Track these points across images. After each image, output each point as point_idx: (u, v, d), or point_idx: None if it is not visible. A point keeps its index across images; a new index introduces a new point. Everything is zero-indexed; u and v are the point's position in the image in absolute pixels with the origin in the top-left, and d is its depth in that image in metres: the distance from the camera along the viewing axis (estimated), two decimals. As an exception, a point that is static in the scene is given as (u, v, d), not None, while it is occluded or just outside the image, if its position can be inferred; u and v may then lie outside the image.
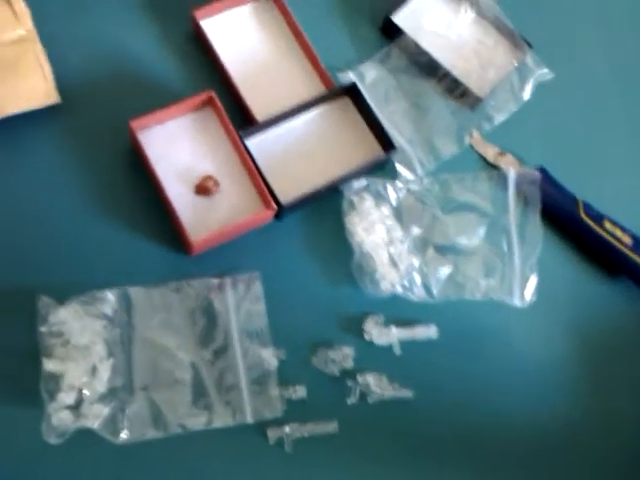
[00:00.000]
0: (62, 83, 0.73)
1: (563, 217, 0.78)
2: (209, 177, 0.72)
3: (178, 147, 0.73)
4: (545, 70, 0.82)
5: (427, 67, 0.81)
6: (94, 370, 0.64)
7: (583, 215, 0.77)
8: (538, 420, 0.72)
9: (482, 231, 0.76)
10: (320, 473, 0.67)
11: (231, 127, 0.73)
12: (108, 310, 0.67)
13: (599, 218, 0.77)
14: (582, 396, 0.74)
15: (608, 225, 0.76)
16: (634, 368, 0.75)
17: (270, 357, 0.68)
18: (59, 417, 0.62)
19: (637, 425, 0.73)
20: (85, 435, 0.63)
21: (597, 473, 0.72)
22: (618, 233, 0.76)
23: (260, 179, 0.72)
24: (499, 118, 0.82)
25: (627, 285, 0.77)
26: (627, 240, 0.76)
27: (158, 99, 0.73)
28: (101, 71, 0.76)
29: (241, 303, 0.70)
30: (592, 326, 0.76)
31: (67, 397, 0.63)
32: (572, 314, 0.76)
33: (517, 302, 0.74)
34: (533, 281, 0.74)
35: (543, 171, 0.78)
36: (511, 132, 0.81)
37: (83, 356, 0.64)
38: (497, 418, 0.72)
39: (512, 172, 0.77)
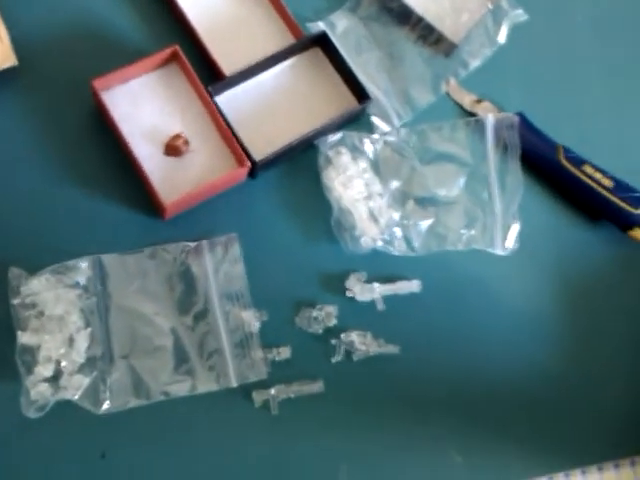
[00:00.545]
0: (19, 45, 0.70)
1: (543, 163, 0.76)
2: (178, 136, 0.69)
3: (144, 106, 0.70)
4: (520, 11, 0.80)
5: (399, 13, 0.79)
6: (71, 340, 0.63)
7: (563, 160, 0.75)
8: (524, 370, 0.71)
9: (462, 181, 0.74)
10: (307, 433, 0.67)
11: (199, 83, 0.70)
12: (82, 279, 0.65)
13: (579, 162, 0.75)
14: (567, 343, 0.73)
15: (589, 169, 0.75)
16: (617, 312, 0.75)
17: (252, 319, 0.67)
18: (38, 390, 0.61)
19: (622, 372, 0.73)
20: (66, 407, 0.61)
21: (584, 422, 0.71)
22: (599, 177, 0.75)
23: (232, 136, 0.69)
24: (474, 64, 0.79)
25: (609, 229, 0.76)
26: (608, 183, 0.75)
27: (121, 57, 0.70)
28: (59, 31, 0.73)
29: (219, 266, 0.68)
30: (575, 271, 0.75)
31: (45, 369, 0.61)
32: (555, 261, 0.75)
33: (499, 251, 0.73)
34: (515, 229, 0.73)
35: (521, 117, 0.76)
36: (488, 78, 0.79)
37: (59, 327, 0.62)
38: (483, 370, 0.71)
39: (490, 118, 0.75)
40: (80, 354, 0.62)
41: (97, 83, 0.68)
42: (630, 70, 0.83)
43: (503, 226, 0.73)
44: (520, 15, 0.80)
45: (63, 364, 0.62)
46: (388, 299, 0.70)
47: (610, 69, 0.82)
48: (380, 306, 0.70)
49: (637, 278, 0.76)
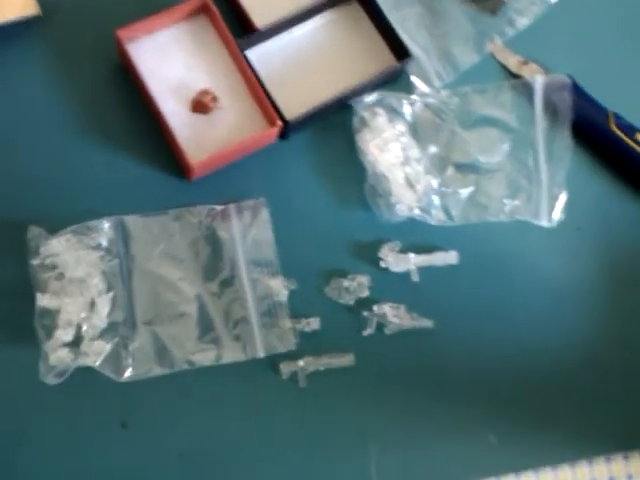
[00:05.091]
0: (41, -8, 0.67)
1: (592, 130, 0.72)
2: (206, 91, 0.66)
3: (171, 60, 0.67)
4: (573, -32, 0.75)
5: (443, -33, 0.74)
6: (92, 304, 0.60)
7: (614, 128, 0.71)
8: (564, 348, 0.68)
9: (506, 147, 0.70)
10: (335, 407, 0.64)
11: (229, 36, 0.67)
12: (104, 240, 0.62)
13: (631, 131, 0.71)
14: (609, 320, 0.69)
15: (641, 138, 0.71)
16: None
17: (280, 288, 0.64)
18: (57, 356, 0.59)
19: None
20: (86, 374, 0.59)
21: (624, 406, 0.68)
22: (651, 146, 0.71)
23: (263, 93, 0.66)
24: (523, 22, 0.74)
25: (661, 203, 0.72)
26: (661, 153, 0.71)
27: (147, 8, 0.66)
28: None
29: (247, 231, 0.65)
30: (622, 246, 0.71)
31: (65, 334, 0.59)
32: (601, 234, 0.71)
33: (544, 222, 0.69)
34: (561, 200, 0.69)
35: (571, 80, 0.72)
36: (535, 39, 0.74)
37: (80, 290, 0.60)
38: (520, 347, 0.68)
39: (539, 79, 0.71)
40: (102, 319, 0.60)
41: (122, 33, 0.64)
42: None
43: (549, 196, 0.69)
44: (573, -29, 0.76)
45: (84, 329, 0.60)
46: (423, 271, 0.67)
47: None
48: (415, 277, 0.67)
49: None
